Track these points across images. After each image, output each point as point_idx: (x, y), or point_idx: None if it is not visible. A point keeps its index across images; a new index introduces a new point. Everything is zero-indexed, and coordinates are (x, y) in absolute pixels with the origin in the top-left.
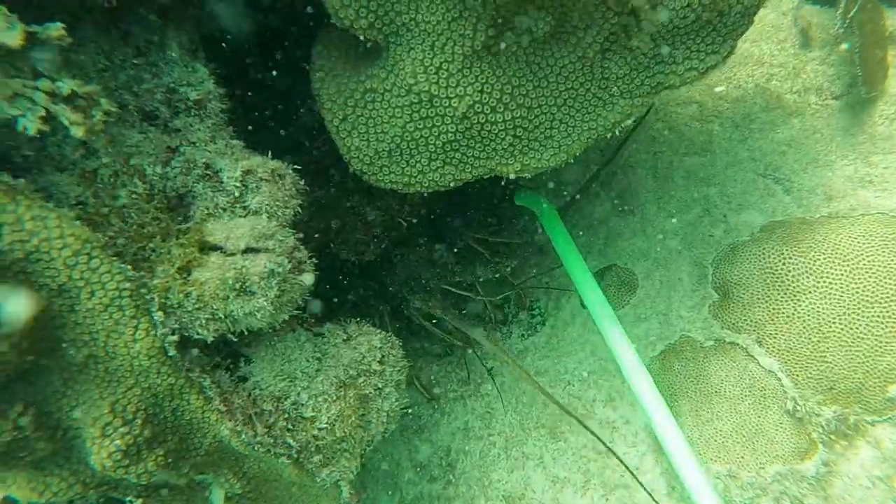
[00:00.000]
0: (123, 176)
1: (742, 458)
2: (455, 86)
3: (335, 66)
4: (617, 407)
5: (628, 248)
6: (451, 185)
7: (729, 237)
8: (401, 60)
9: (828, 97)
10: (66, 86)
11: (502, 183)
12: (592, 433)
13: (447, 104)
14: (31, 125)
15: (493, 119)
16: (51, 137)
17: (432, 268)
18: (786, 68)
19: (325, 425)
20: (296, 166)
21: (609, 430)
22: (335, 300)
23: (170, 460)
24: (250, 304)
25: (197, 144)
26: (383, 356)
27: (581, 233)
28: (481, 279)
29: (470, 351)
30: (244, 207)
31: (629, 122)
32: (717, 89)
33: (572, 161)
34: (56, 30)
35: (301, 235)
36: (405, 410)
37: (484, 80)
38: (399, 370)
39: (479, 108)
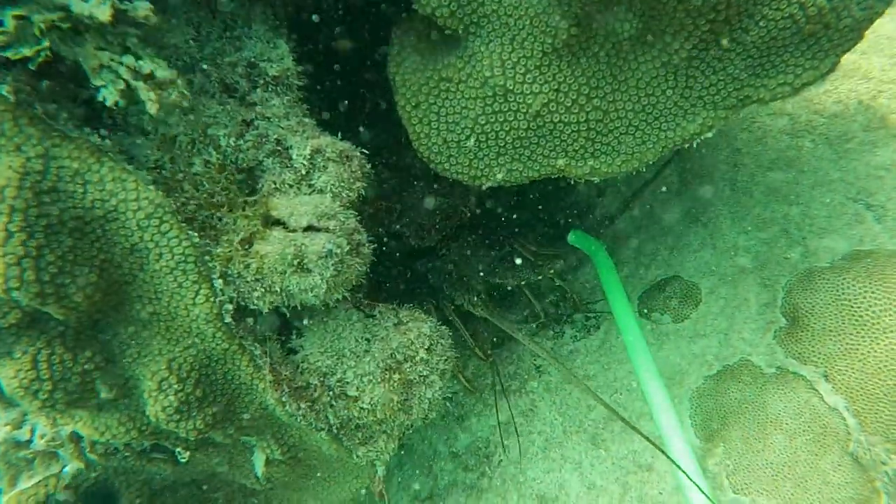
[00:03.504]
0: (200, 145)
1: (792, 495)
2: (531, 82)
3: (412, 52)
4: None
5: (695, 261)
6: (518, 181)
7: (806, 262)
8: (478, 52)
9: None
10: (147, 66)
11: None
12: (640, 433)
13: (521, 100)
14: (110, 97)
15: (566, 119)
16: (132, 106)
17: (477, 265)
18: None
19: (366, 406)
20: (364, 150)
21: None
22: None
23: (217, 420)
24: (306, 281)
25: (271, 120)
26: (431, 344)
27: (646, 241)
28: (524, 281)
29: (491, 360)
30: (310, 185)
31: (710, 134)
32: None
33: (643, 169)
34: (144, 9)
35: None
36: (448, 399)
37: (562, 80)
38: (446, 360)
39: (553, 106)
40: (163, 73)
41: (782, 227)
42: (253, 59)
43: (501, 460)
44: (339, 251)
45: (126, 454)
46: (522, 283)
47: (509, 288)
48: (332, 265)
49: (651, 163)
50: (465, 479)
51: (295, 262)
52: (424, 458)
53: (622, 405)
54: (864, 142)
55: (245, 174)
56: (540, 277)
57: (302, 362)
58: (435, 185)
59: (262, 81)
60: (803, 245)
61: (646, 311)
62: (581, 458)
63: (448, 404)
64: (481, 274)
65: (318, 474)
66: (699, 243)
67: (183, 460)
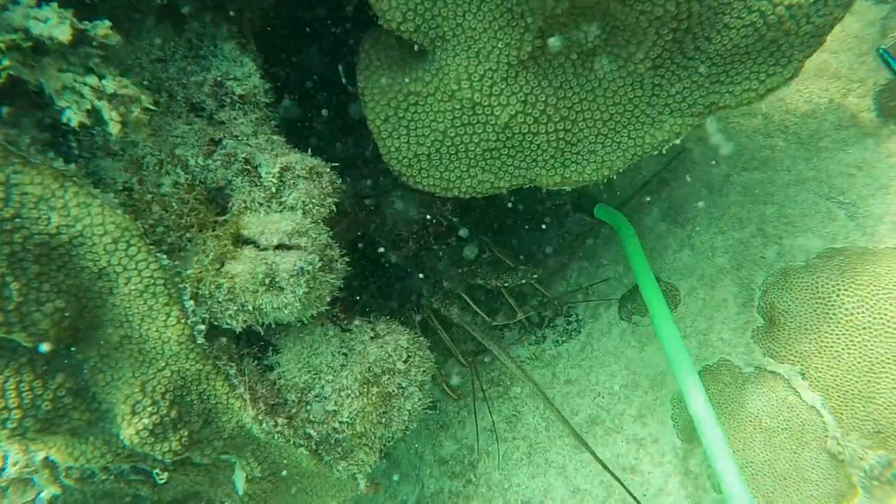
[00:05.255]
0: (168, 165)
1: (772, 493)
2: (498, 94)
3: (380, 67)
4: (647, 424)
5: (674, 262)
6: (489, 192)
7: (782, 261)
8: (445, 65)
9: (880, 120)
10: (111, 85)
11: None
12: (587, 447)
13: (489, 112)
14: (75, 117)
15: (535, 130)
16: (98, 127)
17: (456, 268)
18: (866, 84)
19: (346, 420)
20: (334, 163)
21: (636, 447)
22: (365, 295)
23: (194, 441)
24: (279, 300)
25: (239, 138)
26: (409, 356)
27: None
28: (507, 285)
29: (472, 365)
30: (281, 203)
31: (678, 140)
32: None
33: (614, 177)
34: (104, 28)
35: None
36: (430, 409)
37: (528, 91)
38: (424, 371)
39: (521, 118)
40: (126, 90)
41: (758, 227)
42: (219, 78)
43: (485, 470)
44: (310, 268)
45: (103, 477)
46: (505, 284)
47: (488, 288)
48: (305, 282)
49: (621, 170)
50: (451, 487)
51: (266, 281)
52: (411, 466)
53: (604, 408)
54: (836, 140)
55: (215, 194)
56: (524, 281)
57: (279, 379)
58: (412, 196)
59: (229, 100)
60: (779, 244)
61: (626, 314)
62: (565, 462)
63: (433, 412)
64: (460, 273)
65: (301, 489)
66: (678, 244)
67: (161, 482)
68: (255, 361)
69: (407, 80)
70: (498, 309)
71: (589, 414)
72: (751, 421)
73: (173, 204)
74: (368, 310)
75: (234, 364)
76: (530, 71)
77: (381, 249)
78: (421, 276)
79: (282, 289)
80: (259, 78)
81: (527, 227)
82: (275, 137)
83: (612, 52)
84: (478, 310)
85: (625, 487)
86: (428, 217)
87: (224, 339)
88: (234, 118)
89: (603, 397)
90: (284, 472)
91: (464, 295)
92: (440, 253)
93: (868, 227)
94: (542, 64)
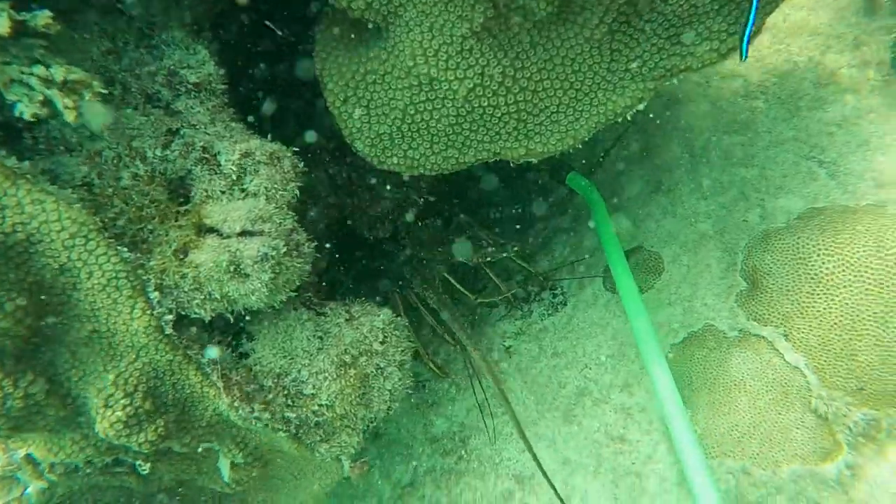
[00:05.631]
0: (126, 158)
1: (758, 454)
2: (455, 68)
3: (337, 47)
4: (634, 393)
5: (657, 230)
6: (454, 168)
7: (764, 223)
8: (400, 42)
9: (890, 72)
10: (59, 73)
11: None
12: (541, 469)
13: (447, 87)
14: (27, 110)
15: (495, 103)
16: (52, 121)
17: (437, 247)
18: (844, 40)
19: (324, 402)
20: (295, 148)
21: (623, 416)
22: (348, 277)
23: (171, 431)
24: (245, 286)
25: (197, 127)
26: (385, 337)
27: (610, 213)
28: (490, 259)
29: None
30: (243, 190)
31: (641, 105)
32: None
33: (580, 146)
34: (44, 18)
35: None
36: (419, 387)
37: (485, 63)
38: (402, 351)
39: (480, 91)
40: (75, 76)
41: (740, 190)
42: (172, 67)
43: (476, 446)
44: (275, 253)
45: (88, 471)
46: (486, 260)
47: (471, 266)
48: (270, 268)
49: (586, 139)
50: (443, 464)
51: (231, 269)
52: (403, 446)
53: (592, 379)
54: (815, 98)
55: (176, 184)
56: (504, 255)
57: (255, 365)
58: (386, 177)
59: (184, 89)
60: (761, 207)
61: (611, 284)
62: (554, 435)
63: (422, 391)
64: (440, 252)
65: (289, 473)
66: (661, 212)
67: (144, 472)
68: (230, 349)
69: (364, 59)
70: (484, 287)
71: (577, 386)
72: (736, 385)
73: (133, 197)
74: (350, 294)
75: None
76: (485, 43)
77: (359, 231)
78: (401, 257)
79: (247, 275)
80: (213, 65)
81: (509, 202)
82: (233, 125)
83: (568, 20)
84: (461, 288)
85: (557, 494)
86: (401, 196)
87: (194, 329)
88: (191, 107)
89: (590, 368)
90: (269, 457)
91: (447, 275)
92: (419, 233)
93: (849, 185)
94: (497, 35)
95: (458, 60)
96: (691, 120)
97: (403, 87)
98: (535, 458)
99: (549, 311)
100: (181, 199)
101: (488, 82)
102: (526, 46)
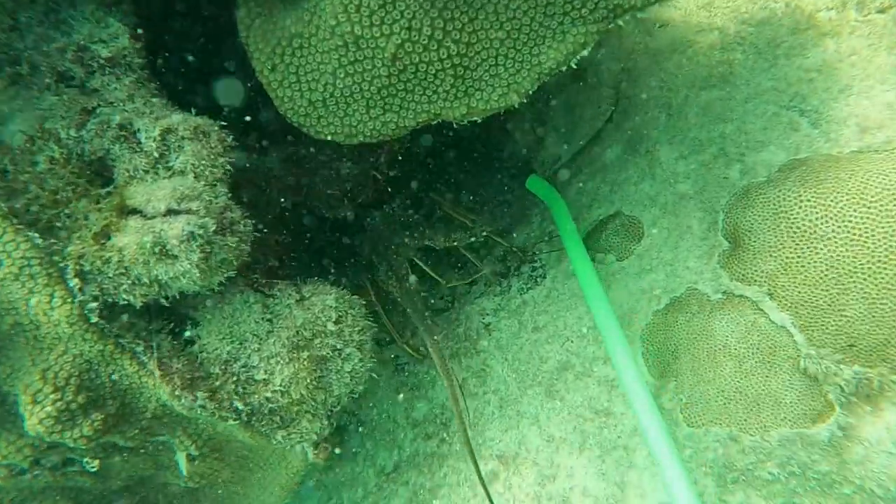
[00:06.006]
0: (39, 141)
1: (745, 420)
2: (379, 24)
3: (260, 12)
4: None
5: (635, 194)
6: (396, 133)
7: (745, 179)
8: (321, 0)
9: (871, 11)
10: None
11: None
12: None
13: (374, 45)
14: None
15: (427, 59)
16: None
17: (403, 230)
18: None
19: (278, 388)
20: (223, 123)
21: (607, 389)
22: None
23: (110, 424)
24: (174, 268)
25: (115, 104)
26: (339, 316)
27: (587, 180)
28: (456, 243)
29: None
30: (168, 168)
31: (585, 52)
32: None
33: (525, 101)
34: None
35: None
36: (400, 369)
37: (411, 16)
38: (360, 330)
39: (409, 47)
40: None
41: (719, 147)
42: (82, 42)
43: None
44: (202, 232)
45: (36, 472)
46: (454, 243)
47: (438, 249)
48: (198, 247)
49: (530, 92)
50: (426, 448)
51: (156, 251)
52: (385, 431)
53: (574, 353)
54: (794, 45)
55: (97, 166)
56: (473, 238)
57: (200, 352)
58: (342, 153)
59: (97, 65)
60: (741, 162)
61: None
62: (537, 411)
63: (402, 374)
64: (408, 236)
65: (254, 464)
66: (639, 175)
67: (93, 469)
68: (170, 336)
69: (288, 22)
70: (461, 265)
71: (559, 360)
72: (720, 349)
73: (49, 181)
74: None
75: (141, 341)
76: None
77: (319, 213)
78: (366, 242)
79: (175, 256)
80: (129, 39)
81: (480, 177)
82: (154, 100)
83: None
84: (431, 273)
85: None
86: (360, 172)
87: (126, 316)
88: (107, 84)
89: (572, 341)
90: (227, 448)
91: (416, 260)
92: (387, 213)
93: (832, 132)
94: None
95: (382, 15)
96: (667, 78)
97: (330, 48)
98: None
99: (529, 285)
100: (104, 181)
101: (416, 37)
102: None
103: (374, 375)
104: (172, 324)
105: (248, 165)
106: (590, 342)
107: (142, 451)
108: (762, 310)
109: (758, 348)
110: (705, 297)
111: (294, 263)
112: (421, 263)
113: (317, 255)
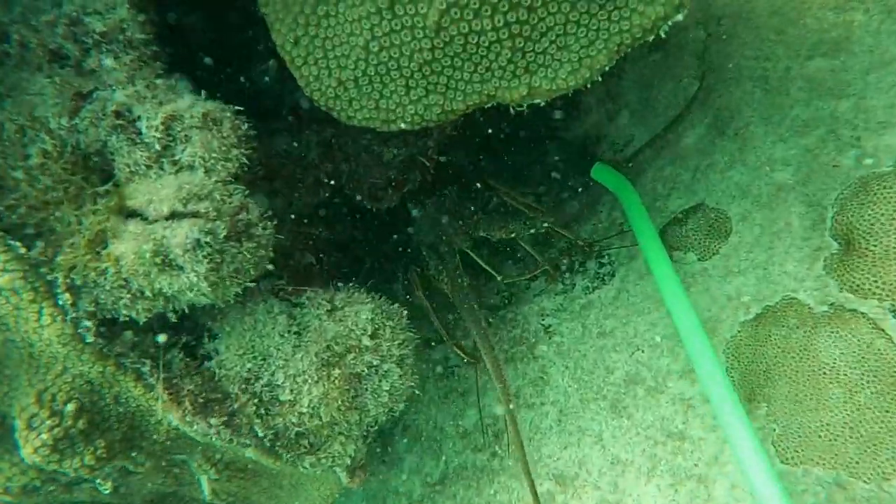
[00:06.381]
0: (30, 131)
1: (857, 463)
2: None
3: None
4: (696, 381)
5: (722, 183)
6: (442, 118)
7: (861, 168)
8: None
9: None
10: None
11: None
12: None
13: (414, 12)
14: None
15: (478, 27)
16: None
17: (455, 220)
18: None
19: (305, 410)
20: (239, 108)
21: (683, 408)
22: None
23: (117, 450)
24: (179, 281)
25: (113, 87)
26: (376, 329)
27: (665, 165)
28: (514, 235)
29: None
30: (175, 163)
31: (680, 16)
32: None
33: (599, 79)
34: None
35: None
36: (449, 373)
37: None
38: (400, 344)
39: (456, 13)
40: None
41: (829, 128)
42: (74, 14)
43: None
44: (210, 239)
45: (51, 488)
46: (511, 235)
47: (494, 241)
48: (206, 257)
49: (607, 68)
50: (475, 461)
51: (157, 261)
52: (431, 440)
53: (644, 364)
54: None
55: (97, 160)
56: (532, 231)
57: (218, 369)
58: (385, 137)
59: (91, 42)
60: (858, 147)
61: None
62: (601, 429)
63: (451, 379)
64: (460, 226)
65: (285, 482)
66: (727, 161)
67: (105, 491)
68: (183, 352)
69: None
70: (519, 257)
71: (627, 372)
72: (826, 373)
73: (39, 178)
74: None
75: (147, 360)
76: None
77: (360, 203)
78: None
79: (180, 267)
80: (128, 9)
81: (542, 161)
82: (158, 81)
83: None
84: (487, 267)
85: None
86: (406, 157)
87: (129, 333)
88: (104, 63)
89: (642, 351)
90: (252, 466)
91: (470, 252)
92: (440, 201)
93: None
94: None
95: None
96: (764, 45)
97: (361, 16)
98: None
99: (595, 284)
100: (104, 177)
101: (465, 1)
102: None
103: (417, 392)
104: (188, 336)
105: (280, 150)
106: (664, 353)
107: (159, 471)
108: (882, 329)
109: (875, 376)
110: (807, 309)
111: (333, 258)
112: (474, 256)
113: (359, 249)
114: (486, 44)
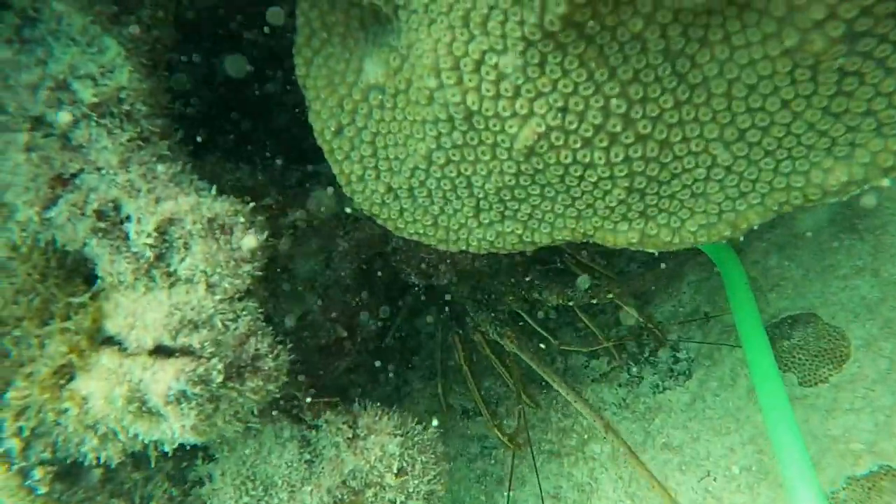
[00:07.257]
0: (2, 220)
1: None
2: (511, 97)
3: (328, 41)
4: None
5: (844, 293)
6: (517, 248)
7: None
8: (418, 43)
9: None
10: None
11: None
12: None
13: (498, 128)
14: None
15: (586, 159)
16: None
17: (507, 277)
18: None
19: None
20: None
21: None
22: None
23: None
24: (160, 429)
25: (103, 172)
26: (404, 465)
27: (771, 251)
28: (572, 302)
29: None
30: (169, 274)
31: (886, 182)
32: None
33: (741, 238)
34: None
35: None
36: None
37: (569, 89)
38: (431, 480)
39: (559, 138)
40: None
41: None
42: (62, 77)
43: None
44: (200, 390)
45: None
46: (570, 302)
47: (549, 307)
48: (193, 408)
49: (755, 226)
50: None
51: (132, 408)
52: None
53: (714, 495)
54: None
55: (76, 261)
56: (594, 301)
57: (209, 500)
58: None
59: (80, 113)
60: None
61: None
62: None
63: (486, 460)
64: (511, 285)
65: None
66: (852, 266)
67: None
68: (167, 481)
69: (367, 64)
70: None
71: (692, 501)
72: None
73: (2, 282)
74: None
75: (118, 500)
76: (572, 52)
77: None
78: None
79: (160, 415)
80: (130, 72)
81: None
82: (159, 169)
83: (747, 20)
84: (538, 328)
85: None
86: None
87: (97, 474)
88: (95, 139)
89: (715, 480)
90: None
91: (522, 313)
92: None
93: None
94: (594, 38)
95: (519, 82)
96: None
97: (426, 118)
98: None
99: (666, 383)
100: (83, 278)
101: (573, 122)
102: (653, 59)
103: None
104: (178, 454)
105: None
106: (741, 489)
107: None
108: None
109: None
110: None
111: (367, 331)
112: (526, 317)
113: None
114: (594, 178)
